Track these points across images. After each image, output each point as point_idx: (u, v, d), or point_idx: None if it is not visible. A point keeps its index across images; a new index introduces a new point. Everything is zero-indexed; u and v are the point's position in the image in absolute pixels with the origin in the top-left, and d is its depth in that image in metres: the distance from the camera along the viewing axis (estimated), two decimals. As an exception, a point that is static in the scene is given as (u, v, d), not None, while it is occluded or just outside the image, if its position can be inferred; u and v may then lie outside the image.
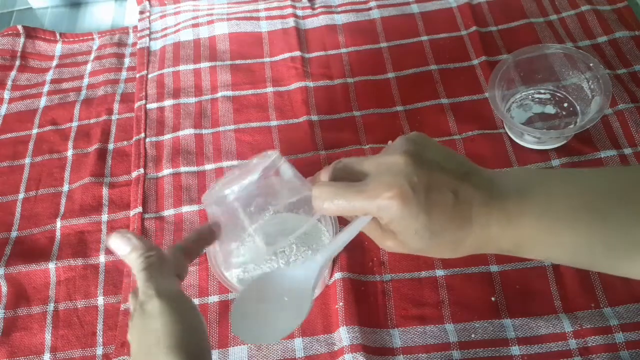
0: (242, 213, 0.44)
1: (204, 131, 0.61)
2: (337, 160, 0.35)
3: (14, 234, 0.57)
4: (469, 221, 0.31)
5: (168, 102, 0.64)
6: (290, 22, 0.69)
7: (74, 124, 0.65)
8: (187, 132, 0.61)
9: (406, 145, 0.33)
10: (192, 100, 0.64)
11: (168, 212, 0.56)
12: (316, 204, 0.33)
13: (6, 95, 0.69)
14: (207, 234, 0.40)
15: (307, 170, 0.55)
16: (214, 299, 0.50)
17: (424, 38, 0.66)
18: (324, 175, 0.35)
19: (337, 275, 0.49)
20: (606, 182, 0.32)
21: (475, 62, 0.63)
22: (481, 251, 0.33)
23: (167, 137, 0.61)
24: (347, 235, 0.35)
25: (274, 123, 0.61)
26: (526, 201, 0.31)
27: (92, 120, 0.65)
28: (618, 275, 0.31)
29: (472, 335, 0.46)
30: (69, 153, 0.62)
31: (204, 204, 0.45)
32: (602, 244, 0.30)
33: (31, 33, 0.73)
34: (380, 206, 0.31)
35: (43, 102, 0.67)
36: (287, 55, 0.66)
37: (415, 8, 0.69)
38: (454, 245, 0.32)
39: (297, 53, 0.66)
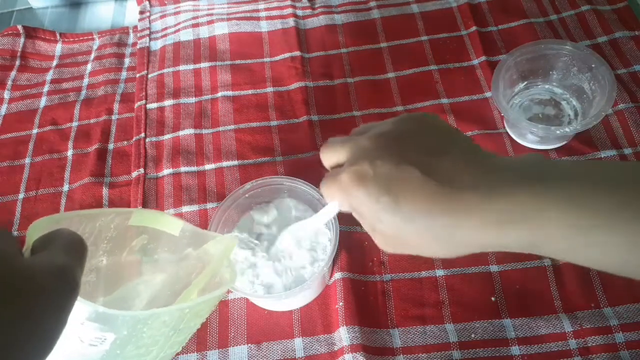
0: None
1: (204, 131, 0.61)
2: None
3: (14, 234, 0.57)
4: (454, 206, 0.27)
5: (168, 102, 0.64)
6: (290, 22, 0.69)
7: (74, 124, 0.65)
8: (187, 132, 0.61)
9: (386, 126, 0.32)
10: (192, 100, 0.64)
11: (168, 212, 0.56)
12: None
13: (6, 95, 0.69)
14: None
15: (307, 170, 0.56)
16: (214, 299, 0.50)
17: (424, 38, 0.66)
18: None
19: (337, 275, 0.49)
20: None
21: (475, 62, 0.63)
22: (484, 249, 0.29)
23: (167, 137, 0.61)
24: (315, 220, 0.40)
25: (274, 123, 0.61)
26: (550, 192, 0.26)
27: (92, 120, 0.65)
28: None
29: (472, 335, 0.46)
30: (69, 153, 0.62)
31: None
32: None
33: (31, 33, 0.73)
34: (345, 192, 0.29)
35: (43, 102, 0.67)
36: (287, 55, 0.66)
37: (415, 8, 0.69)
38: (440, 237, 0.28)
39: (297, 53, 0.66)
